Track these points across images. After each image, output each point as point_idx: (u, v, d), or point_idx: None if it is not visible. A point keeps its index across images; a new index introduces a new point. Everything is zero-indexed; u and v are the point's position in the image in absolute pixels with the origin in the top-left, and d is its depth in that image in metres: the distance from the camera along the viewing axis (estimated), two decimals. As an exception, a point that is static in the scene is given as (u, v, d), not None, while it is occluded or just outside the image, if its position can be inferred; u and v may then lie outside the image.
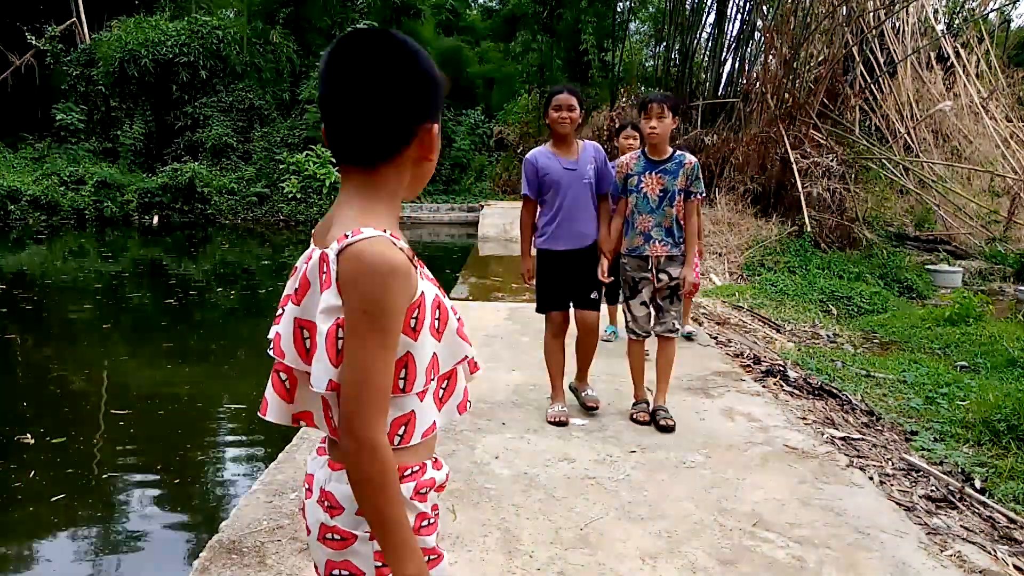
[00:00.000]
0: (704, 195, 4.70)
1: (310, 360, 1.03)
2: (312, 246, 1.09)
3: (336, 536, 1.06)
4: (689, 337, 5.34)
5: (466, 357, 1.13)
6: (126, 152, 17.38)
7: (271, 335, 1.10)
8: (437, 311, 1.07)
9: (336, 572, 1.08)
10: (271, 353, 1.08)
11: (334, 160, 1.09)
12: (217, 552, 2.40)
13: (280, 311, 1.09)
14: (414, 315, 1.02)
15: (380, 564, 1.05)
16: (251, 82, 18.47)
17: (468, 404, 1.19)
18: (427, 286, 1.06)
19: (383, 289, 0.96)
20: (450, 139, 19.48)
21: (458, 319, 1.12)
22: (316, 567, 1.12)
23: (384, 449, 0.97)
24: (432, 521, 1.11)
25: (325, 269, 1.00)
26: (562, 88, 3.69)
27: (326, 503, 1.07)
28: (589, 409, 3.81)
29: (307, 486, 1.13)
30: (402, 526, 0.99)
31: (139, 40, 17.31)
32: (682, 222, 3.66)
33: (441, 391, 1.13)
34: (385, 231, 1.00)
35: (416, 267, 1.03)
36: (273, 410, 1.10)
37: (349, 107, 1.02)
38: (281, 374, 1.09)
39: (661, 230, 3.63)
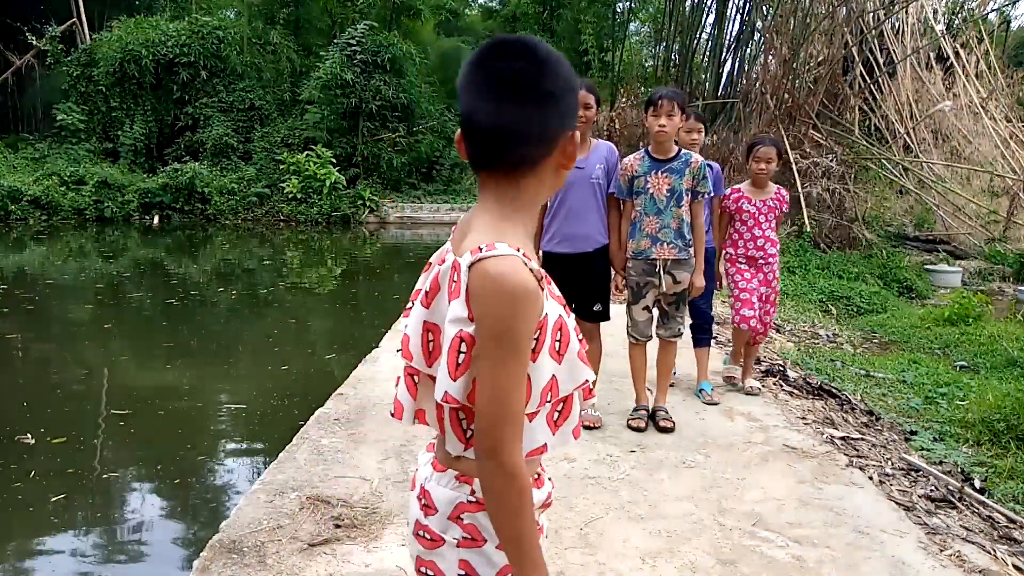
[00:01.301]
0: (785, 209, 4.23)
1: (431, 362, 1.06)
2: (448, 245, 1.10)
3: (427, 535, 1.09)
4: (752, 392, 4.24)
5: (586, 382, 1.11)
6: (127, 152, 17.40)
7: (403, 324, 1.11)
8: (559, 333, 1.05)
9: (423, 570, 1.10)
10: (400, 355, 1.09)
11: (473, 166, 1.07)
12: (217, 552, 2.40)
13: (410, 304, 1.11)
14: (535, 336, 1.01)
15: (463, 573, 1.06)
16: (251, 82, 18.49)
17: (580, 429, 1.18)
18: (552, 306, 1.04)
19: (513, 314, 0.96)
20: (450, 139, 19.50)
21: (580, 340, 1.10)
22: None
23: (523, 473, 0.98)
24: None
25: (455, 278, 1.00)
26: (580, 83, 3.55)
27: (423, 501, 1.10)
28: (585, 428, 3.56)
29: (415, 479, 1.16)
30: (533, 546, 1.01)
31: (139, 40, 17.34)
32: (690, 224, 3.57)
33: (556, 414, 1.11)
34: (518, 250, 1.00)
35: (543, 288, 1.02)
36: (407, 413, 1.10)
37: (502, 116, 1.01)
38: (414, 376, 1.10)
39: (670, 231, 3.53)
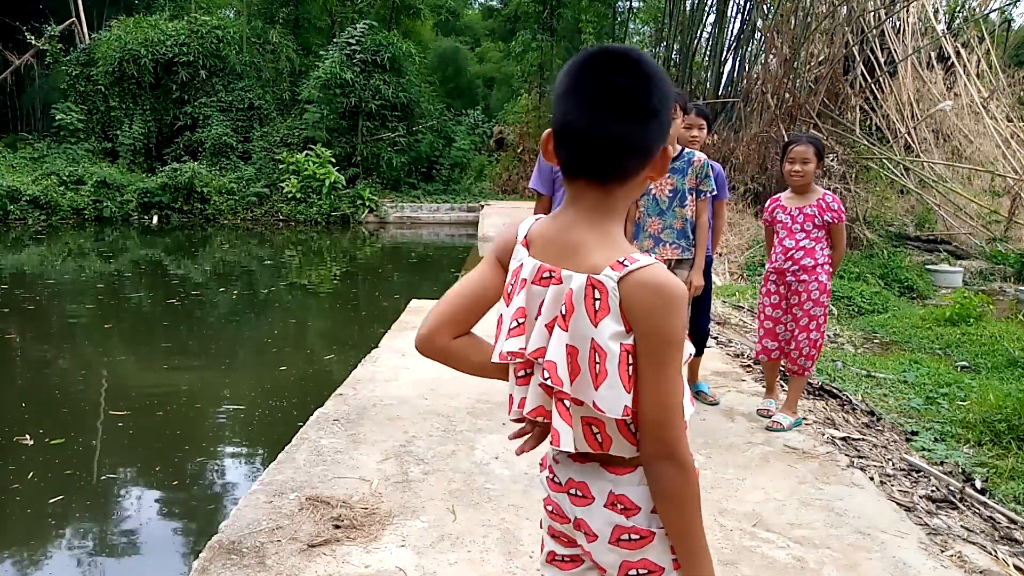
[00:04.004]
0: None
1: (572, 382, 1.06)
2: (532, 258, 1.09)
3: (634, 536, 1.11)
4: (772, 429, 3.64)
5: (691, 355, 1.16)
6: (125, 152, 17.38)
7: (509, 346, 1.10)
8: None
9: (633, 572, 1.12)
10: (549, 383, 1.06)
11: (566, 171, 1.09)
12: (216, 552, 2.39)
13: (514, 324, 1.11)
14: None
15: (675, 557, 1.11)
16: (251, 82, 18.47)
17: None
18: None
19: (681, 318, 1.02)
20: (450, 139, 19.49)
21: None
22: (602, 570, 1.15)
23: (694, 466, 1.08)
24: None
25: (597, 296, 1.03)
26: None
27: (620, 506, 1.11)
28: None
29: (578, 492, 1.14)
30: (703, 535, 1.10)
31: (139, 40, 17.31)
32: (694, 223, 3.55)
33: None
34: (651, 256, 1.05)
35: None
36: (566, 438, 1.09)
37: (606, 129, 1.03)
38: (565, 401, 1.08)
39: (673, 232, 3.52)
